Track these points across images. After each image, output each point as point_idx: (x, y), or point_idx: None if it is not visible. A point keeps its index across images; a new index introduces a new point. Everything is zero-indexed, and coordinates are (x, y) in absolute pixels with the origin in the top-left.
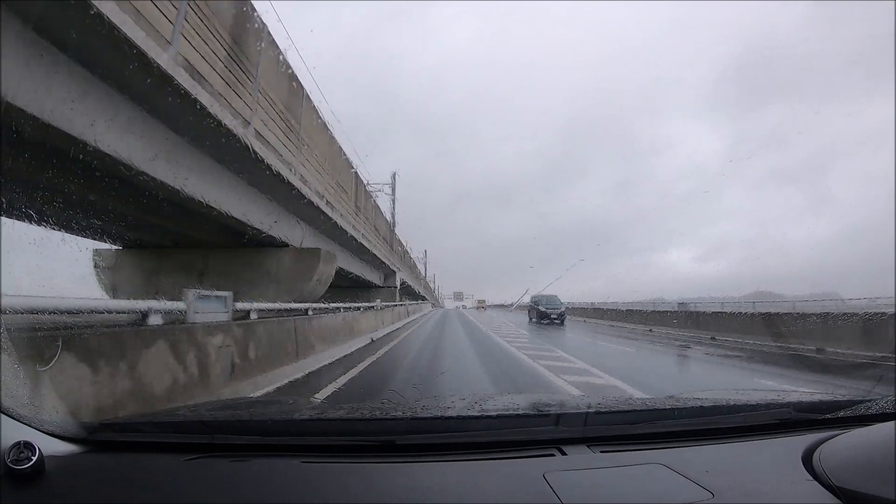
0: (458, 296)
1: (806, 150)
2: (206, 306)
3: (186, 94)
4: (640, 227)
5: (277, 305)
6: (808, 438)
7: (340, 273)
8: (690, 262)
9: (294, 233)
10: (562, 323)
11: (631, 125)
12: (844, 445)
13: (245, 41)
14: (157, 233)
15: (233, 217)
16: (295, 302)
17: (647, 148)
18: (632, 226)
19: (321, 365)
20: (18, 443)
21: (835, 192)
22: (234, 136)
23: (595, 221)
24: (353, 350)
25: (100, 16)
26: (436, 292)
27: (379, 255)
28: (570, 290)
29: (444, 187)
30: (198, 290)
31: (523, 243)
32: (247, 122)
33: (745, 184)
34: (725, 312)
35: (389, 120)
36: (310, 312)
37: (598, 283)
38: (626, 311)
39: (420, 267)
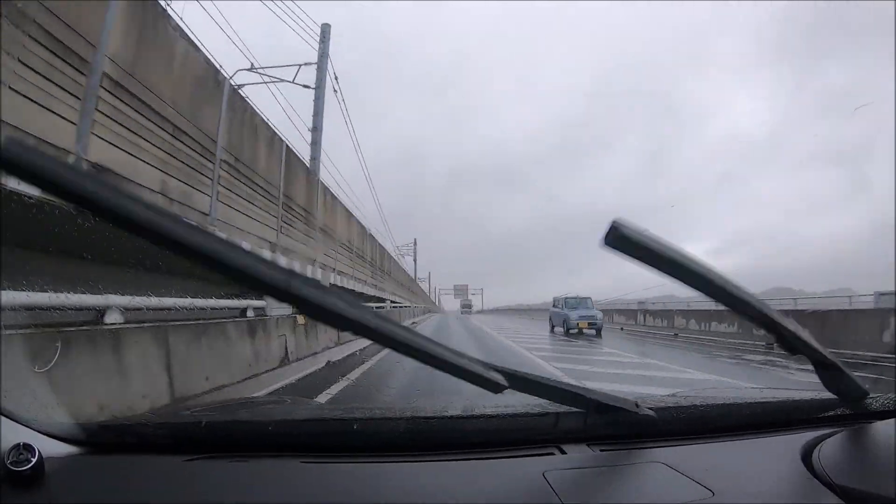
0: (461, 291)
1: (860, 125)
2: None
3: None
4: (661, 216)
5: None
6: (808, 436)
7: None
8: (705, 257)
9: None
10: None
11: (668, 85)
12: (845, 443)
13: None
14: None
15: None
16: None
17: (683, 117)
18: (653, 214)
19: None
20: (18, 444)
21: (873, 179)
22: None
23: (614, 208)
24: None
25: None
26: (431, 290)
27: None
28: (571, 288)
29: (442, 163)
30: None
31: (532, 234)
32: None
33: (784, 165)
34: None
35: (375, 66)
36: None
37: (605, 282)
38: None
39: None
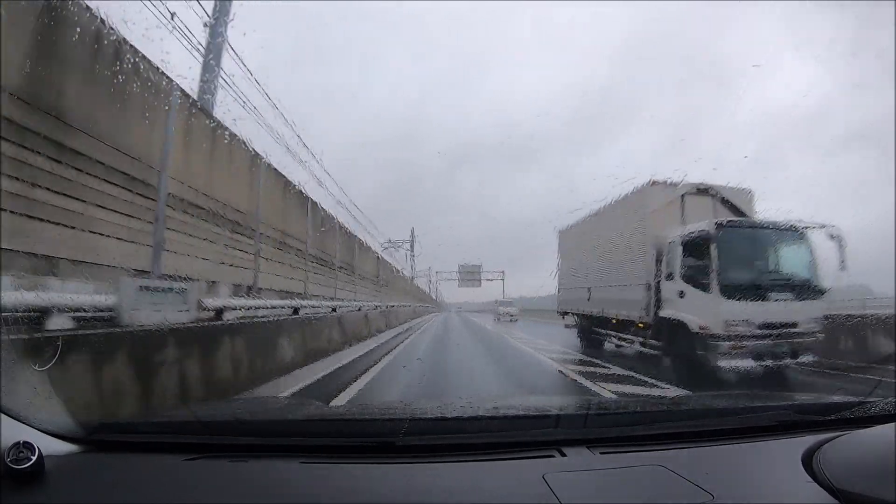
0: (469, 276)
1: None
2: None
3: None
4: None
5: None
6: (808, 440)
7: None
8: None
9: None
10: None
11: (706, 45)
12: (845, 447)
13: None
14: None
15: None
16: None
17: (722, 80)
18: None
19: None
20: (18, 442)
21: None
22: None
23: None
24: None
25: None
26: (428, 284)
27: None
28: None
29: (443, 136)
30: None
31: (547, 218)
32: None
33: (820, 147)
34: None
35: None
36: None
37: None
38: None
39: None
